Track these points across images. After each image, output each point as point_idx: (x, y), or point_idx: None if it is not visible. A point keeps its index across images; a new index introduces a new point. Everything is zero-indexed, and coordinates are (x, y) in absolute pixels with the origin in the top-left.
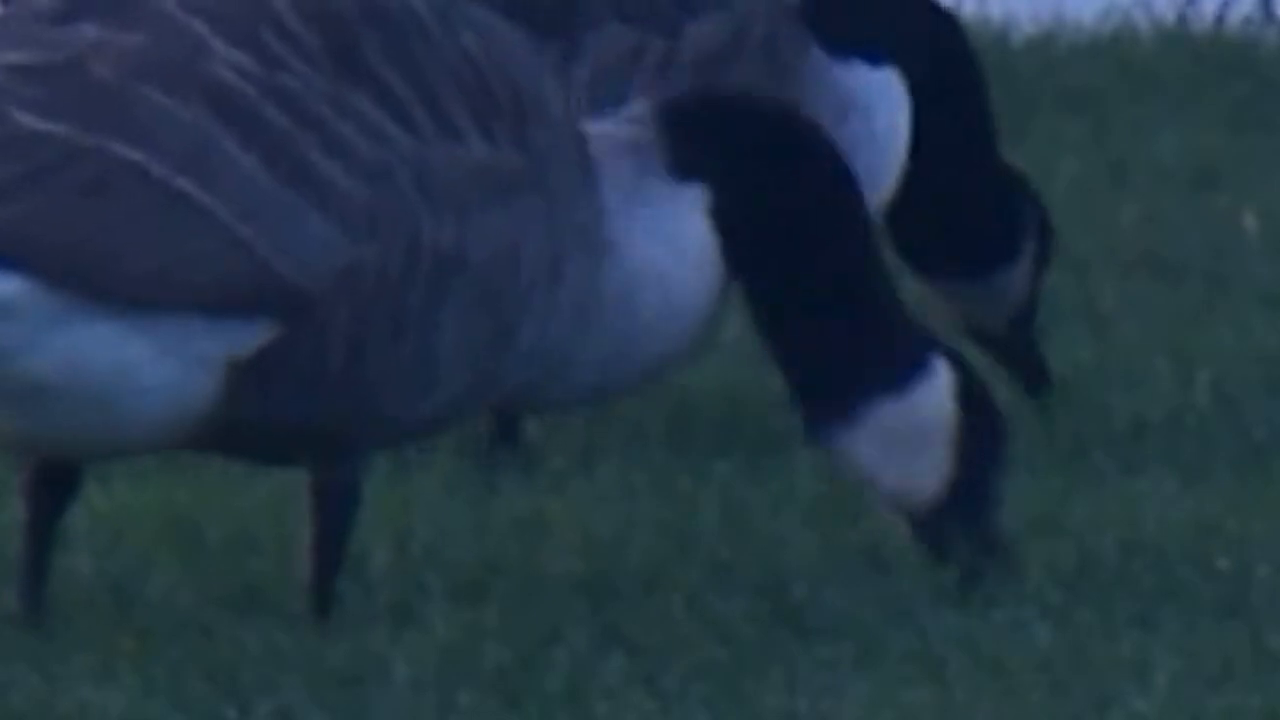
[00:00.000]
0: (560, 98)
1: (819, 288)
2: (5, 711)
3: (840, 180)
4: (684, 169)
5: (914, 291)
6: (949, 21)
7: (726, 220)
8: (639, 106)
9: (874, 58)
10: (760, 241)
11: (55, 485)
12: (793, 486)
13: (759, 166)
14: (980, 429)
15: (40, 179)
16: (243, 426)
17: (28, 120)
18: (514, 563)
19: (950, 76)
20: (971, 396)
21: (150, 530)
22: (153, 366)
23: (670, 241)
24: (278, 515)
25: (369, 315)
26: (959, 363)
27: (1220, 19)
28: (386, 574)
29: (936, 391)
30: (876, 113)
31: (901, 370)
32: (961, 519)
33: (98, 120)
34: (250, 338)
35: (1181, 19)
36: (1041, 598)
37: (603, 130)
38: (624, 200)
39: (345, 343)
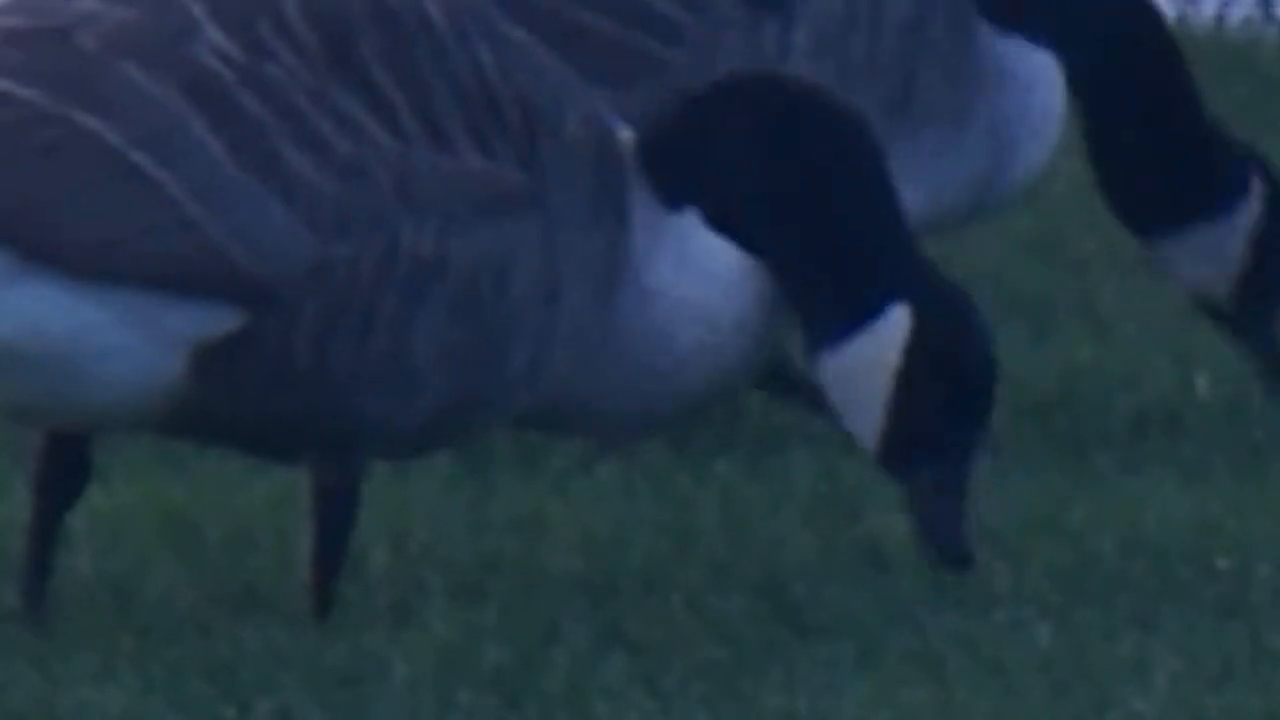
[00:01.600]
0: (590, 122)
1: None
2: (5, 710)
3: (846, 136)
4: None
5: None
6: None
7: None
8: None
9: (1035, 38)
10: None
11: (63, 480)
12: (792, 486)
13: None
14: (936, 377)
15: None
16: (218, 412)
17: (1, 82)
18: (513, 562)
19: (1142, 49)
20: (933, 343)
21: (149, 529)
22: (110, 332)
23: (702, 268)
24: (277, 515)
25: (338, 313)
26: (938, 305)
27: (1220, 19)
28: (385, 573)
29: (878, 342)
30: (1035, 89)
31: (846, 322)
32: (923, 465)
33: (66, 88)
34: (216, 322)
35: (1181, 19)
36: (1041, 598)
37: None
38: (654, 226)
39: (312, 338)
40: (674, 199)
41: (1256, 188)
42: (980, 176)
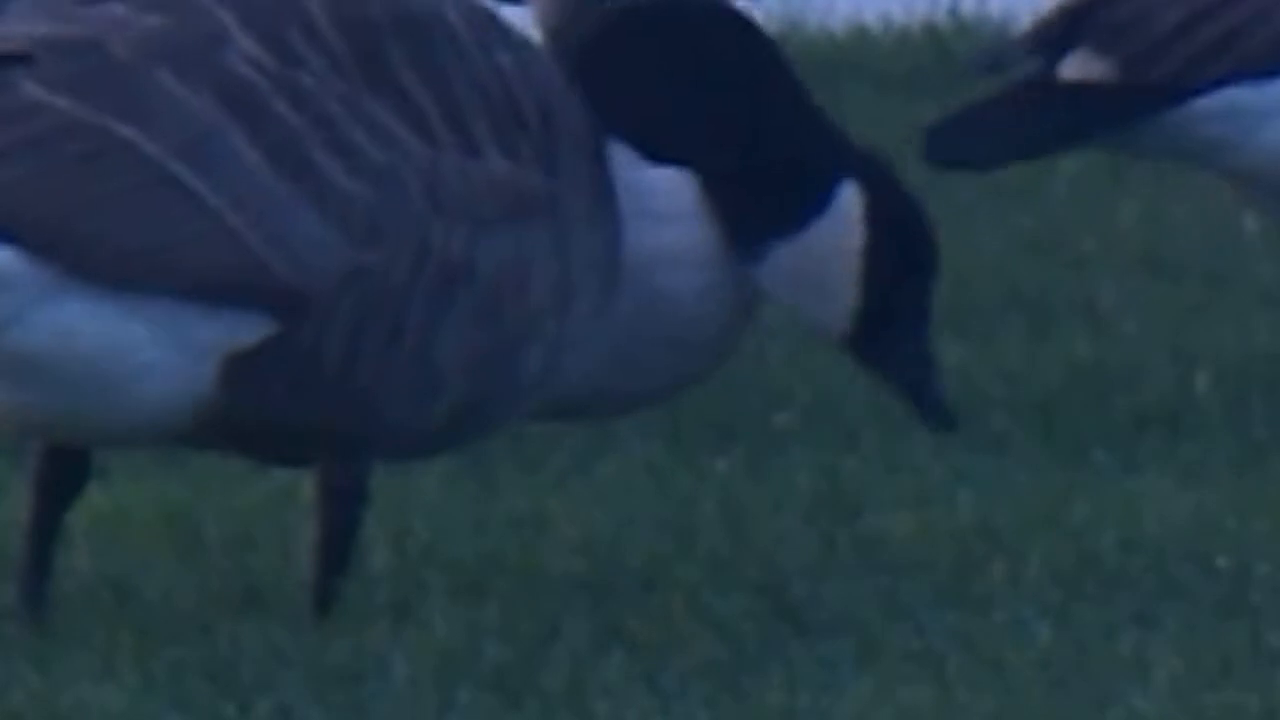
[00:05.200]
0: (587, 124)
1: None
2: (5, 709)
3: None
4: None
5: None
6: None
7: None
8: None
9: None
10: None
11: (63, 478)
12: (792, 484)
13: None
14: (894, 245)
15: (35, 149)
16: (241, 421)
17: (35, 91)
18: (513, 561)
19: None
20: (884, 212)
21: (150, 529)
22: (146, 348)
23: (684, 260)
24: (278, 515)
25: (369, 320)
26: (876, 176)
27: None
28: (386, 572)
29: (838, 222)
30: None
31: (803, 208)
32: (892, 338)
33: (103, 97)
34: (248, 331)
35: None
36: (1041, 597)
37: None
38: (639, 220)
39: (344, 345)
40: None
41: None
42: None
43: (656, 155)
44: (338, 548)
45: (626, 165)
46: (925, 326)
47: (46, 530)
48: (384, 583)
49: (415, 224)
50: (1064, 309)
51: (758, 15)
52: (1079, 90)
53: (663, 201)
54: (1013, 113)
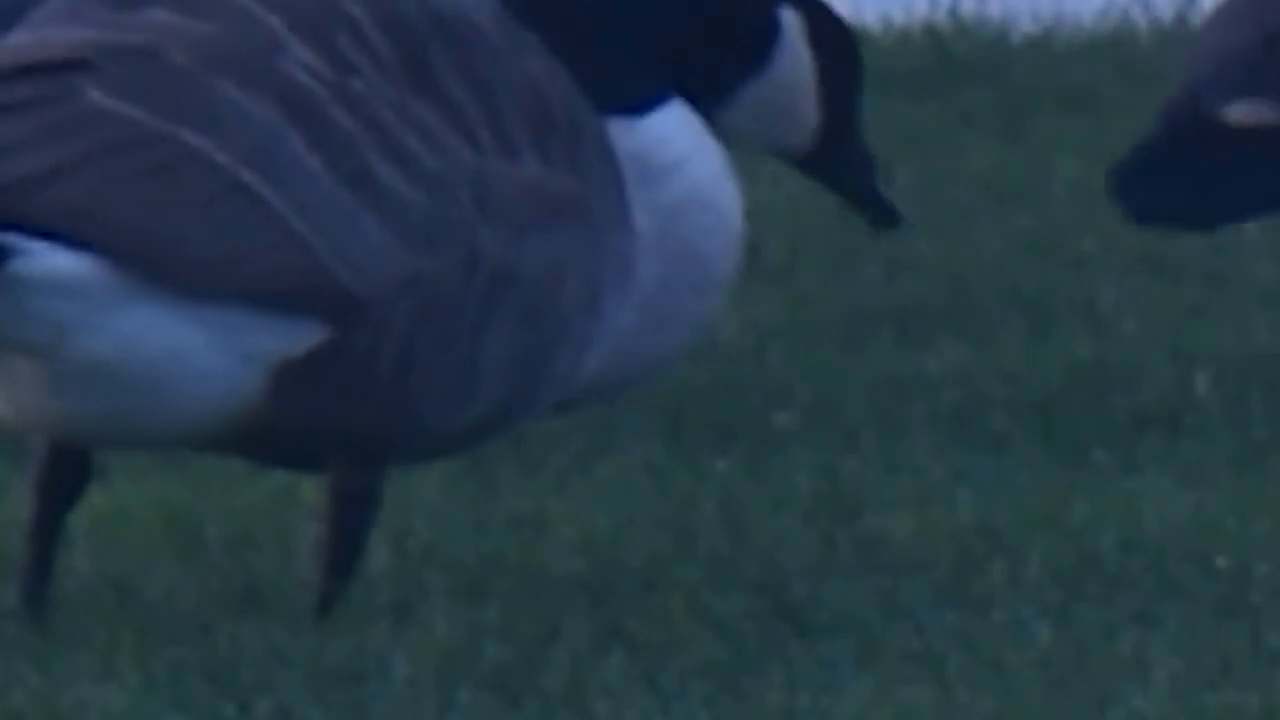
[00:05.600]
0: (600, 124)
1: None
2: (5, 709)
3: None
4: None
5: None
6: None
7: None
8: None
9: None
10: None
11: (65, 480)
12: (792, 484)
13: None
14: (833, 59)
15: (108, 159)
16: (278, 425)
17: (103, 100)
18: (513, 561)
19: None
20: (818, 29)
21: (150, 529)
22: (204, 355)
23: (705, 192)
24: (278, 515)
25: (421, 326)
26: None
27: None
28: (386, 572)
29: (791, 49)
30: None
31: (761, 46)
32: (843, 147)
33: (171, 106)
34: (301, 338)
35: (1180, 17)
36: (1041, 597)
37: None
38: (656, 180)
39: (394, 351)
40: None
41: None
42: None
43: (611, 72)
44: (345, 551)
45: (624, 133)
46: (860, 130)
47: (48, 532)
48: (384, 583)
49: (465, 230)
50: (1064, 309)
51: None
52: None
53: (666, 150)
54: (1213, 165)
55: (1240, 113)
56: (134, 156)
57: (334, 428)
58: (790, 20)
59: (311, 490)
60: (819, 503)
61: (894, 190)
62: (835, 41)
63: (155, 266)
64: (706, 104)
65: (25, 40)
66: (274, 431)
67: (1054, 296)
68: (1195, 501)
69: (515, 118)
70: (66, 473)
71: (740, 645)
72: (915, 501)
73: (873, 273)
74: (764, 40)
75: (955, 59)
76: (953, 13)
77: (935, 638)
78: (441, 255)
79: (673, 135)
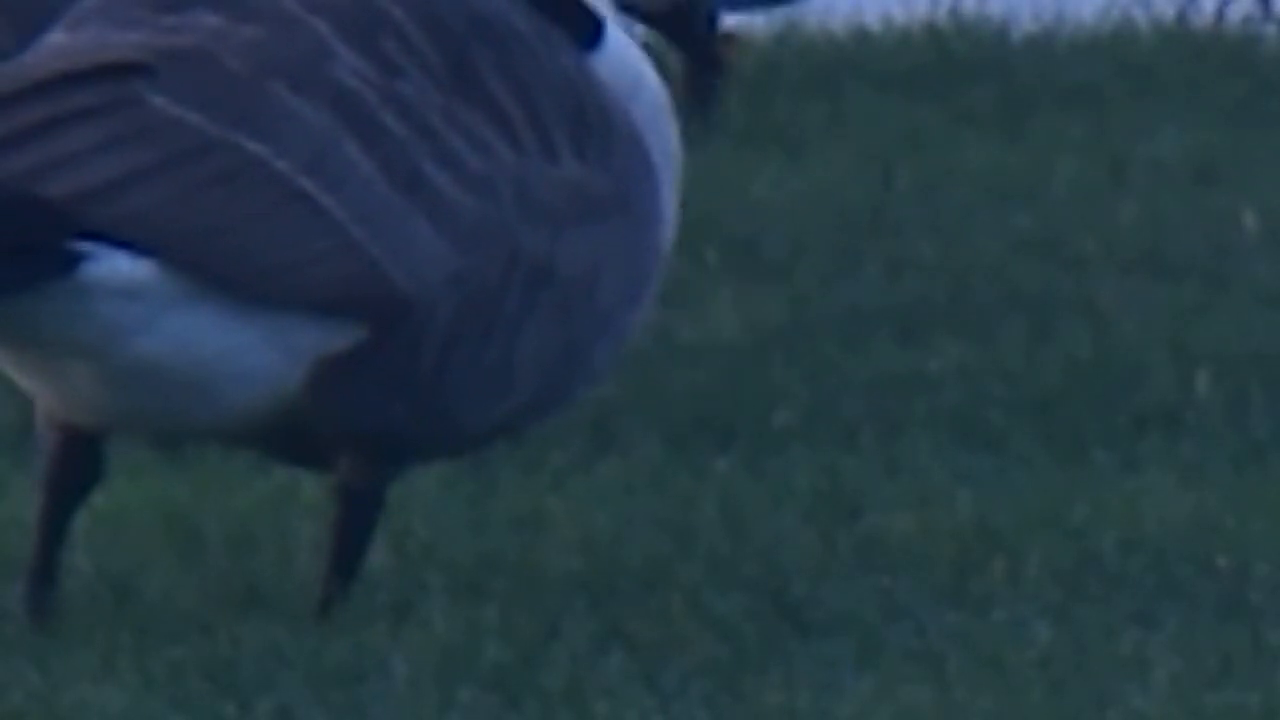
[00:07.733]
0: (625, 111)
1: None
2: (5, 709)
3: None
4: None
5: None
6: None
7: None
8: None
9: None
10: None
11: (77, 477)
12: (792, 484)
13: None
14: None
15: (174, 167)
16: (311, 422)
17: (166, 106)
18: (513, 560)
19: None
20: None
21: (149, 529)
22: (252, 353)
23: (667, 157)
24: (278, 515)
25: (461, 325)
26: None
27: (1220, 17)
28: (386, 572)
29: None
30: None
31: None
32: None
33: (231, 113)
34: (343, 335)
35: (1181, 17)
36: (1041, 596)
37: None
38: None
39: (435, 350)
40: None
41: None
42: None
43: None
44: (349, 551)
45: (600, 65)
46: None
47: (56, 530)
48: (384, 582)
49: (508, 231)
50: (1064, 309)
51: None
52: None
53: (629, 70)
54: None
55: None
56: (196, 165)
57: (364, 424)
58: None
59: (311, 490)
60: (819, 502)
61: (894, 190)
62: None
63: (217, 273)
64: None
65: (74, 42)
66: (308, 426)
67: (1054, 296)
68: (1195, 501)
69: (553, 117)
70: (77, 471)
71: (740, 645)
72: (915, 501)
73: (873, 273)
74: None
75: (956, 58)
76: (953, 12)
77: (935, 637)
78: (484, 255)
79: (625, 53)
